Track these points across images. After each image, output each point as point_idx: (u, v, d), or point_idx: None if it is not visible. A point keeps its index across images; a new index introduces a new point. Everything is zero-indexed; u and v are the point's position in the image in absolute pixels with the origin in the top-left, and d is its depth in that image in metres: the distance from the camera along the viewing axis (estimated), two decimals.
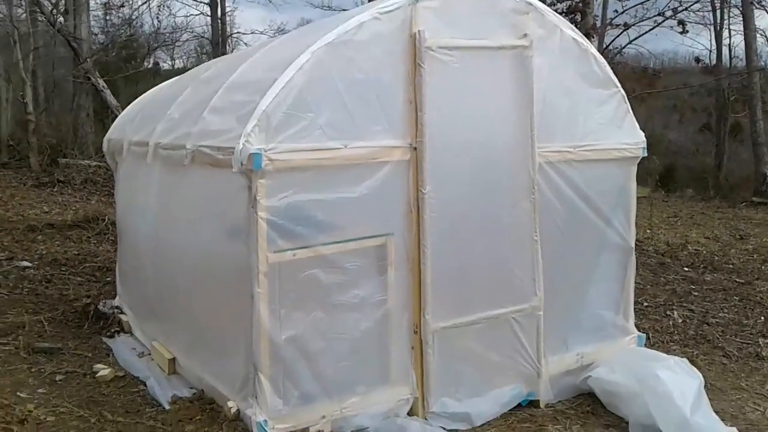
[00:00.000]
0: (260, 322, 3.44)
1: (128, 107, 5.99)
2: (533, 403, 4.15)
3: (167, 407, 3.97)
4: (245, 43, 20.87)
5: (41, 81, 16.89)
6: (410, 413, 3.85)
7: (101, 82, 13.32)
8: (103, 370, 4.47)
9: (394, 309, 3.79)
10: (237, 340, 3.67)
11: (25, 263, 6.88)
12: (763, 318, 6.09)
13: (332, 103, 3.56)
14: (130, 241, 5.30)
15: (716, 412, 3.89)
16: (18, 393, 4.15)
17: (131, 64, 18.49)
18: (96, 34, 16.97)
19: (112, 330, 5.20)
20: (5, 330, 5.13)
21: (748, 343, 5.45)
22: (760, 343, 5.44)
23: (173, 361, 4.39)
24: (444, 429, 3.78)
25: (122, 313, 5.36)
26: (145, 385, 4.30)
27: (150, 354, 4.70)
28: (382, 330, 3.78)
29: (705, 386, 4.01)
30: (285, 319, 3.51)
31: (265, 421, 3.45)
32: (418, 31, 3.72)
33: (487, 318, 4.00)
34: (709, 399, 3.97)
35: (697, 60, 19.35)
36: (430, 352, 3.84)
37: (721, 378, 4.78)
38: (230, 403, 3.68)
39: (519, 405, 4.10)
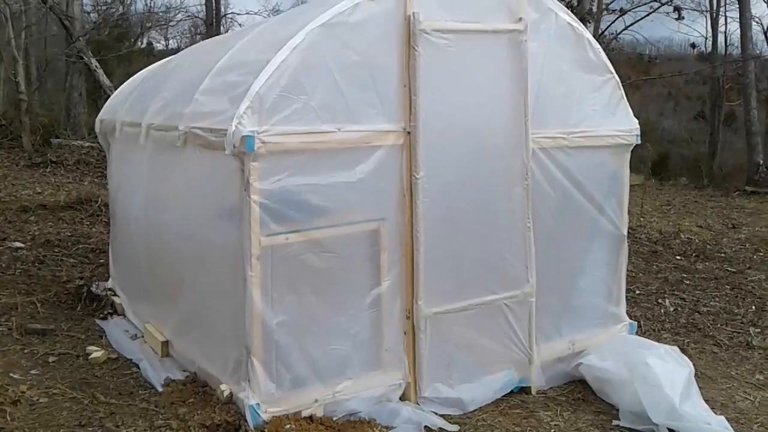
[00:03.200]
0: (253, 306, 3.44)
1: (121, 87, 5.93)
2: (525, 390, 4.17)
3: (160, 390, 3.98)
4: (239, 24, 20.72)
5: (33, 60, 16.74)
6: (402, 398, 3.86)
7: (94, 62, 13.17)
8: (96, 352, 4.47)
9: (387, 294, 3.79)
10: (229, 324, 3.66)
11: (18, 244, 6.85)
12: (754, 307, 6.12)
13: (326, 86, 3.53)
14: (123, 223, 5.28)
15: (706, 401, 3.92)
16: (11, 374, 4.14)
17: (124, 43, 18.32)
18: (88, 13, 16.77)
19: (105, 312, 5.19)
20: None
21: (739, 332, 5.48)
22: (751, 332, 5.47)
23: (166, 343, 4.39)
24: (436, 414, 3.79)
25: (115, 295, 5.35)
26: (138, 367, 4.30)
27: (143, 336, 4.69)
28: (374, 315, 3.78)
29: (695, 375, 4.05)
30: (277, 302, 3.50)
31: (258, 404, 3.46)
32: (413, 13, 3.69)
33: (480, 304, 4.01)
34: (699, 387, 4.00)
35: (693, 46, 19.28)
36: (422, 338, 3.85)
37: (711, 366, 4.81)
38: (223, 386, 3.68)
39: (511, 391, 4.12)
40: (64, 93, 14.66)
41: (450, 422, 3.75)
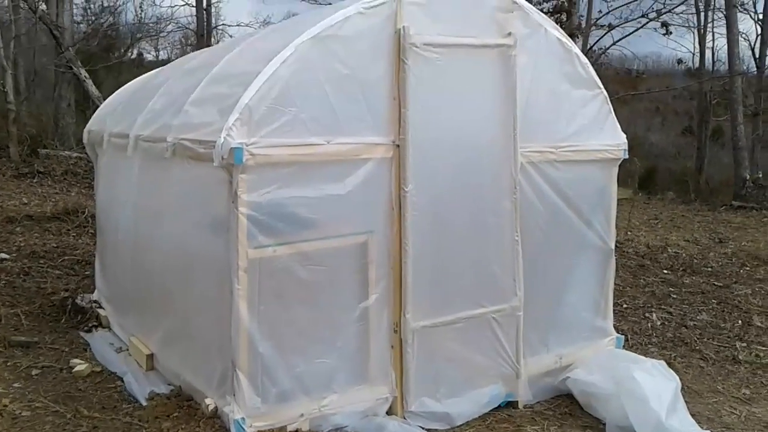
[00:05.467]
0: (239, 319, 3.41)
1: (110, 98, 5.92)
2: (512, 404, 4.16)
3: (144, 403, 3.94)
4: (230, 35, 20.74)
5: (22, 69, 16.65)
6: (389, 412, 3.84)
7: (83, 72, 13.13)
8: (80, 365, 4.42)
9: (374, 307, 3.78)
10: (215, 337, 3.64)
11: (3, 255, 6.78)
12: (740, 321, 6.14)
13: (316, 98, 3.54)
14: (110, 235, 5.24)
15: (692, 415, 3.92)
16: None
17: (114, 54, 18.29)
18: (78, 23, 16.76)
19: (90, 324, 5.14)
20: None
21: (726, 347, 5.50)
22: (737, 346, 5.49)
23: (151, 356, 4.34)
24: (423, 428, 3.77)
25: (100, 307, 5.30)
26: (122, 380, 4.26)
27: (128, 349, 4.65)
28: (361, 328, 3.76)
29: (682, 389, 4.04)
30: (264, 315, 3.48)
31: (243, 419, 3.43)
32: (403, 26, 3.70)
33: (468, 318, 4.00)
34: (686, 402, 4.00)
35: (680, 62, 19.46)
36: (409, 351, 3.83)
37: (698, 381, 4.82)
38: (208, 401, 3.65)
39: (498, 405, 4.11)
40: (52, 103, 14.59)
41: None
